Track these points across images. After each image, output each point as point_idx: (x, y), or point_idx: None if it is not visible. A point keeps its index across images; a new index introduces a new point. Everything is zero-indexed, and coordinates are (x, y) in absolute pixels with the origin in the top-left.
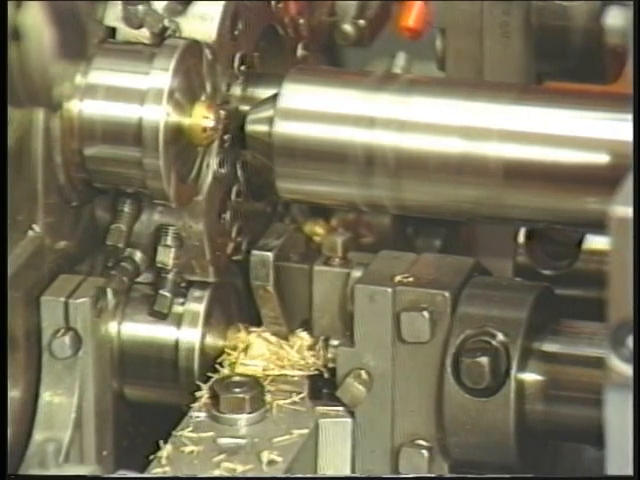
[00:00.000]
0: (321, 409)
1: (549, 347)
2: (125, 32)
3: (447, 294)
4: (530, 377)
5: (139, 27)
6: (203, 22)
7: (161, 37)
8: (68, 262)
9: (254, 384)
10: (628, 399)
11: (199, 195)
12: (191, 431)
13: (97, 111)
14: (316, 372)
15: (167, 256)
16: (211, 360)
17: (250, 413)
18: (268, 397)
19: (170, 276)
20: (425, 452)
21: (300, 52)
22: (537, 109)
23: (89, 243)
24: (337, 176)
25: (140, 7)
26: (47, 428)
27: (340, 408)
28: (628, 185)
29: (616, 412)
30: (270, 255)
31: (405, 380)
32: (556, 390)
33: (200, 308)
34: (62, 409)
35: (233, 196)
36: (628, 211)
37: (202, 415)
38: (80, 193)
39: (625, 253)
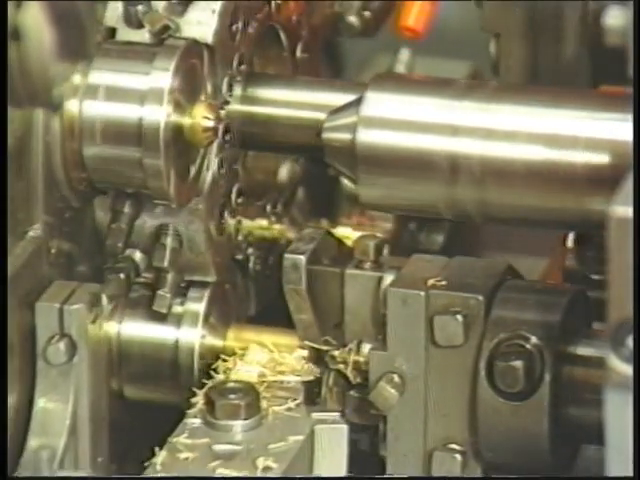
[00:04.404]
0: (317, 415)
1: (583, 350)
2: (125, 32)
3: (481, 297)
4: (564, 381)
5: (139, 27)
6: (202, 22)
7: (161, 37)
8: (68, 263)
9: (249, 390)
10: (628, 399)
11: (199, 195)
12: (186, 437)
13: (97, 111)
14: (312, 378)
15: (164, 256)
16: (211, 360)
17: (245, 419)
18: (264, 403)
19: (169, 276)
20: (458, 456)
21: (300, 52)
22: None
23: (89, 244)
24: (421, 185)
25: (140, 7)
26: (42, 435)
27: (336, 414)
28: (628, 185)
29: (616, 412)
30: (302, 258)
31: (438, 384)
32: (590, 394)
33: (200, 308)
34: (57, 416)
35: (233, 196)
36: (628, 211)
37: (197, 421)
38: (80, 194)
39: (625, 253)
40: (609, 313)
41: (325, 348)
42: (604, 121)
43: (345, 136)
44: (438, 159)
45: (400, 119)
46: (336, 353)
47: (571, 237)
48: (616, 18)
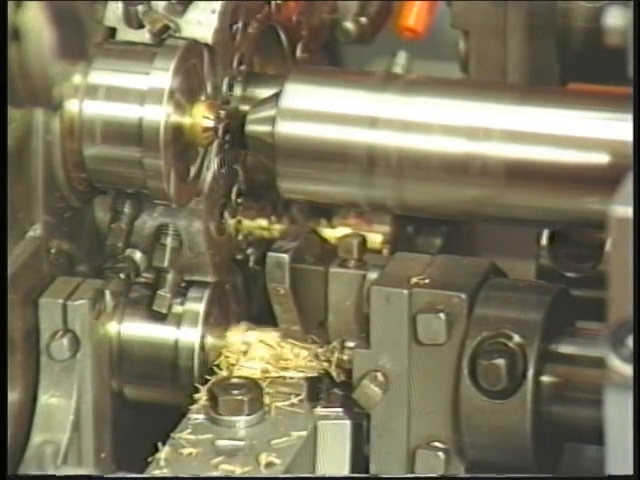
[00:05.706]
0: (320, 411)
1: (566, 349)
2: (125, 32)
3: (463, 296)
4: (547, 379)
5: (139, 27)
6: (202, 22)
7: (161, 37)
8: (68, 263)
9: (252, 386)
10: (628, 399)
11: (199, 195)
12: (189, 433)
13: (97, 111)
14: (315, 374)
15: (164, 256)
16: (211, 360)
17: (248, 415)
18: (266, 399)
19: (169, 276)
20: (441, 454)
21: (300, 52)
22: (538, 109)
23: (89, 244)
24: (339, 176)
25: (140, 7)
26: (45, 430)
27: (339, 410)
28: (628, 185)
29: (616, 412)
30: (286, 257)
31: (421, 382)
32: (573, 392)
33: (200, 308)
34: (60, 411)
35: (233, 196)
36: (628, 211)
37: (200, 417)
38: (80, 193)
39: (625, 253)
40: (609, 313)
41: (308, 346)
42: (520, 115)
43: (266, 128)
44: (356, 151)
45: (318, 111)
46: (320, 351)
47: (545, 234)
48: (616, 18)
